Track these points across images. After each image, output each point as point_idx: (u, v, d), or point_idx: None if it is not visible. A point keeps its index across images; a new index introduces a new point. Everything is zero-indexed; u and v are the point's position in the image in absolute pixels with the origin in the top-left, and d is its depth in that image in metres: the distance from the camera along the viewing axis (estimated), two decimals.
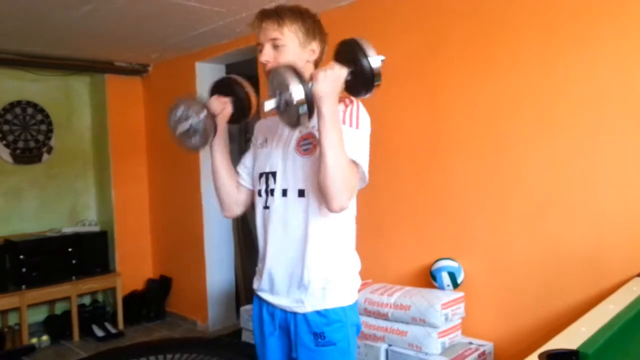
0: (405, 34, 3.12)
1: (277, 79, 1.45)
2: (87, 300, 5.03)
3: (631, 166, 2.34)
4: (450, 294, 2.81)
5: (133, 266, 5.15)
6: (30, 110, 4.85)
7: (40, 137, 4.91)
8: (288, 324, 1.65)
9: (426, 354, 2.68)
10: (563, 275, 2.53)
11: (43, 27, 3.73)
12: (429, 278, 2.95)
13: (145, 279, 5.27)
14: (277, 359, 1.72)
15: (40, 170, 4.92)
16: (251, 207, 1.84)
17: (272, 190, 1.65)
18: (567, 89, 2.50)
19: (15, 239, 4.49)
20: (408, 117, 3.13)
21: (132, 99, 5.26)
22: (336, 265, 1.62)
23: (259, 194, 1.71)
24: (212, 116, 1.69)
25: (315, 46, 1.65)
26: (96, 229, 5.05)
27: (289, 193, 1.62)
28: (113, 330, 4.63)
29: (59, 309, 4.79)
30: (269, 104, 1.45)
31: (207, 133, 1.69)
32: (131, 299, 5.00)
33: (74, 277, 4.61)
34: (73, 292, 4.56)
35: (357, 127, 1.56)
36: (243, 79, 1.82)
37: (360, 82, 1.50)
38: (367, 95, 1.54)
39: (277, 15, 1.59)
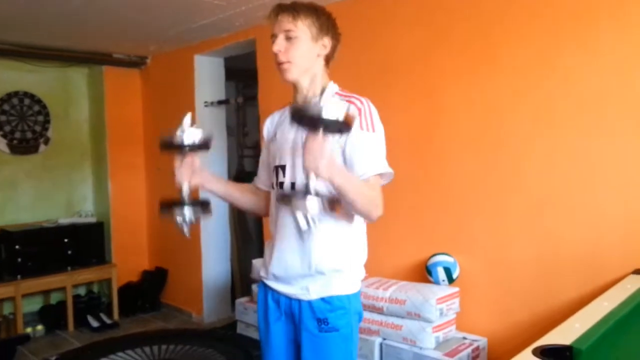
0: (406, 30, 3.12)
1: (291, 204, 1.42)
2: (82, 290, 5.03)
3: (628, 165, 2.35)
4: (445, 289, 2.82)
5: (129, 257, 5.15)
6: (27, 101, 4.84)
7: (37, 128, 4.90)
8: (293, 310, 1.70)
9: (420, 348, 2.70)
10: (558, 272, 2.55)
11: (41, 18, 3.71)
12: (424, 273, 2.97)
13: (141, 270, 5.27)
14: (282, 344, 1.76)
15: (37, 161, 4.91)
16: None
17: (282, 184, 1.70)
18: (566, 88, 2.51)
19: (11, 229, 4.48)
20: (407, 113, 3.13)
21: (130, 91, 5.25)
22: (342, 256, 1.66)
23: (272, 187, 1.77)
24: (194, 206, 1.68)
25: (327, 41, 1.70)
26: (92, 220, 5.05)
27: (297, 187, 1.65)
28: (108, 321, 4.63)
29: (54, 299, 4.79)
30: (303, 224, 1.40)
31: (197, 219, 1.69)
32: (126, 290, 5.00)
33: (69, 268, 4.61)
34: (68, 283, 4.56)
35: (373, 130, 1.62)
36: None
37: (338, 130, 1.43)
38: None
39: (292, 9, 1.65)
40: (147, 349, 3.81)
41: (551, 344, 1.47)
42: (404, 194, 3.17)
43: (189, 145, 1.63)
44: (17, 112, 4.78)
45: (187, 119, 1.62)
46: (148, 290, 5.08)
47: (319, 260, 1.63)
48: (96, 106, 5.16)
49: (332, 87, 1.72)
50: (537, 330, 1.98)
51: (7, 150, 4.72)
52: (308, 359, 1.65)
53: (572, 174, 2.51)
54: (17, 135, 4.78)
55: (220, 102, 4.74)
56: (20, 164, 4.81)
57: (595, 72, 2.43)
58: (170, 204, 1.67)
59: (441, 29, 2.97)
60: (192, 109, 4.66)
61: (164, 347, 3.84)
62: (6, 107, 4.72)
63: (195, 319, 4.77)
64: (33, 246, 4.45)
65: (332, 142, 1.47)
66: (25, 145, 4.83)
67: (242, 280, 4.98)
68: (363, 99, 1.65)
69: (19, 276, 4.32)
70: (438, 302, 2.72)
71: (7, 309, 4.45)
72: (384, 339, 2.85)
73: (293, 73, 1.67)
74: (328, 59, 1.74)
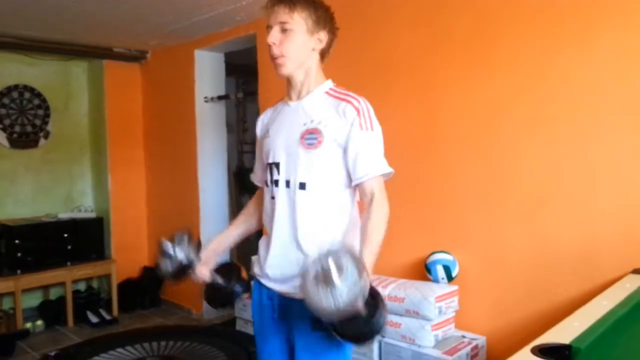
0: (406, 30, 3.10)
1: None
2: (82, 286, 5.03)
3: (626, 163, 2.34)
4: (444, 287, 2.82)
5: (129, 253, 5.15)
6: (27, 95, 4.83)
7: (37, 122, 4.89)
8: (287, 308, 1.69)
9: (419, 346, 2.70)
10: (557, 270, 2.54)
11: (42, 11, 3.70)
12: (423, 271, 2.96)
13: (141, 266, 5.27)
14: (277, 342, 1.75)
15: (36, 155, 4.91)
16: (248, 196, 1.87)
17: (277, 182, 1.69)
18: (564, 87, 2.50)
19: (10, 224, 4.48)
20: (406, 112, 3.12)
21: (130, 85, 5.24)
22: None
23: (267, 184, 1.75)
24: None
25: (323, 36, 1.68)
26: (92, 215, 5.05)
27: (291, 185, 1.65)
28: (107, 317, 4.63)
29: (53, 294, 4.79)
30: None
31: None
32: (126, 286, 5.01)
33: (69, 263, 4.61)
34: (68, 278, 4.56)
35: (372, 128, 1.62)
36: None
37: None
38: None
39: (289, 0, 1.62)
40: (146, 345, 3.82)
41: (550, 343, 1.47)
42: (403, 192, 3.16)
43: (187, 267, 1.75)
44: (17, 106, 4.77)
45: (166, 245, 1.75)
46: (148, 286, 5.07)
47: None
48: (96, 100, 5.15)
49: (327, 85, 1.72)
50: (536, 329, 1.97)
51: (6, 144, 4.72)
52: (302, 358, 1.65)
53: (570, 172, 2.50)
54: (17, 129, 4.77)
55: (220, 98, 4.73)
56: (20, 158, 4.80)
57: (593, 72, 2.41)
58: (216, 295, 1.84)
59: (441, 28, 2.95)
60: (191, 104, 4.66)
61: (163, 343, 3.84)
62: (6, 100, 4.71)
63: (194, 316, 4.77)
64: (33, 241, 4.45)
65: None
66: (25, 139, 4.82)
67: None
68: (360, 98, 1.64)
69: (18, 271, 4.31)
70: (437, 300, 2.71)
71: (6, 304, 4.46)
72: (383, 337, 2.84)
73: (287, 68, 1.66)
74: (323, 54, 1.72)
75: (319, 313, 1.30)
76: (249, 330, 3.72)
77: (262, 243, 1.80)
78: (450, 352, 2.64)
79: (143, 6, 3.64)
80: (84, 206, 5.16)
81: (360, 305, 1.28)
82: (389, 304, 2.79)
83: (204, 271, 1.80)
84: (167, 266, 1.75)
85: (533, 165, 2.62)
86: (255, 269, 1.81)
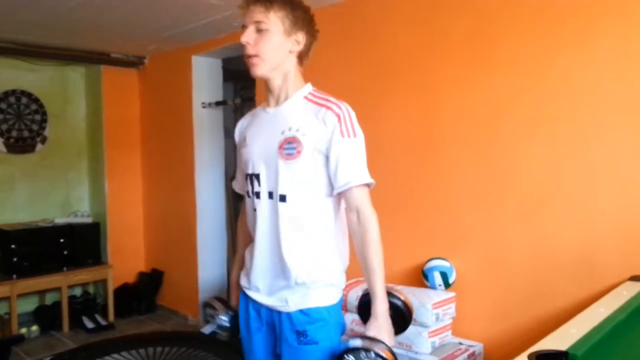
0: (404, 31, 3.11)
1: None
2: (78, 291, 5.01)
3: (627, 167, 2.34)
4: (441, 294, 2.81)
5: (125, 259, 5.13)
6: (24, 100, 4.82)
7: (35, 127, 4.88)
8: (274, 321, 1.67)
9: (416, 353, 2.69)
10: (555, 277, 2.54)
11: (40, 16, 3.70)
12: (420, 277, 2.95)
13: (137, 271, 5.26)
14: (263, 354, 1.73)
15: (33, 160, 4.89)
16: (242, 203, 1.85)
17: (258, 193, 1.64)
18: (563, 88, 2.51)
19: (7, 228, 4.46)
20: (403, 114, 3.13)
21: (127, 90, 5.23)
22: (320, 266, 1.62)
23: (248, 195, 1.70)
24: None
25: (300, 37, 1.62)
26: (89, 220, 5.03)
27: (274, 196, 1.61)
28: (103, 322, 4.61)
29: (49, 299, 4.77)
30: None
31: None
32: (122, 292, 4.99)
33: (65, 268, 4.59)
34: (64, 283, 4.54)
35: (354, 135, 1.58)
36: None
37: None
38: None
39: None
40: (142, 351, 3.80)
41: (547, 350, 1.47)
42: (400, 198, 3.16)
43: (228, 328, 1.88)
44: (14, 111, 4.76)
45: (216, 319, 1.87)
46: (144, 292, 5.06)
47: (297, 271, 1.58)
48: (94, 105, 5.15)
49: (306, 89, 1.67)
50: (533, 336, 1.96)
51: (3, 149, 4.70)
52: None
53: (568, 175, 2.50)
54: (14, 134, 4.76)
55: (217, 103, 4.73)
56: (17, 163, 4.79)
57: (592, 72, 2.42)
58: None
59: (438, 28, 2.95)
60: (189, 109, 4.66)
61: (159, 349, 3.83)
62: (3, 105, 4.70)
63: (191, 322, 4.75)
64: (29, 246, 4.43)
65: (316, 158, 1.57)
66: (22, 144, 4.81)
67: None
68: (340, 103, 1.59)
69: (14, 276, 4.29)
70: (434, 306, 2.70)
71: (2, 309, 4.44)
72: None
73: (262, 68, 1.61)
74: (302, 57, 1.66)
75: None
76: None
77: (247, 254, 1.76)
78: (447, 359, 2.64)
79: (141, 12, 3.65)
80: (81, 211, 5.14)
81: None
82: None
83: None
84: (222, 336, 1.91)
85: (532, 170, 2.62)
86: (242, 281, 1.77)
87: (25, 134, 4.83)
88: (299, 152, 1.56)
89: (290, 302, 1.61)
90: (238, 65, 4.76)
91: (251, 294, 1.71)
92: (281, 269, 1.61)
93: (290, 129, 1.59)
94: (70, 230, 4.73)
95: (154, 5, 3.51)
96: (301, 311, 1.60)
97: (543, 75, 2.57)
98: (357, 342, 1.47)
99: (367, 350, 1.45)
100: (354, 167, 1.57)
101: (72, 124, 5.18)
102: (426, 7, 3.01)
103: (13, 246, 4.34)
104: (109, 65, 5.03)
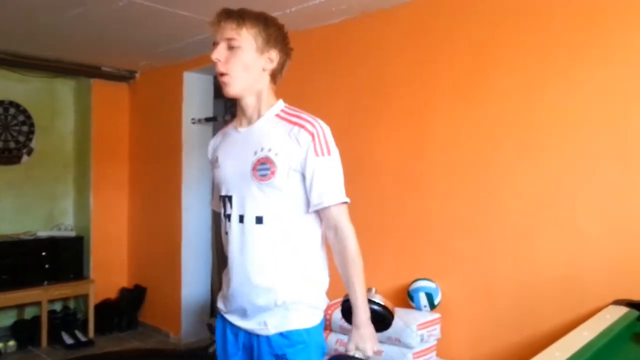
0: (393, 56, 3.15)
1: None
2: (58, 306, 4.92)
3: (610, 195, 2.37)
4: (426, 315, 2.80)
5: (107, 274, 5.06)
6: (12, 111, 4.79)
7: (21, 138, 4.84)
8: (252, 345, 1.62)
9: None
10: (540, 300, 2.55)
11: (31, 28, 3.70)
12: (406, 298, 2.94)
13: (119, 287, 5.18)
14: None
15: (19, 171, 4.84)
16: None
17: (229, 216, 1.61)
18: (550, 116, 2.55)
19: None
20: (392, 137, 3.15)
21: (117, 105, 5.22)
22: (298, 288, 1.58)
23: (221, 217, 1.67)
24: None
25: (274, 55, 1.58)
26: (72, 234, 4.97)
27: (245, 220, 1.57)
28: (83, 339, 4.53)
29: (28, 313, 4.68)
30: None
31: None
32: (104, 308, 4.90)
33: (45, 282, 4.52)
34: (44, 297, 4.46)
35: (329, 153, 1.55)
36: None
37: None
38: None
39: (238, 15, 1.53)
40: None
41: None
42: (387, 217, 3.17)
43: None
44: (1, 122, 4.72)
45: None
46: (125, 308, 4.98)
47: (274, 296, 1.55)
48: (82, 119, 5.12)
49: (278, 106, 1.63)
50: (518, 359, 1.97)
51: None
52: None
53: (554, 199, 2.53)
54: (0, 144, 4.72)
55: (207, 119, 4.74)
56: (2, 175, 4.73)
57: (577, 104, 2.47)
58: None
59: (427, 56, 3.00)
60: (178, 125, 4.65)
61: None
62: None
63: (172, 339, 4.68)
64: (9, 258, 4.37)
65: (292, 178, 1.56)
66: (7, 155, 4.77)
67: None
68: (314, 120, 1.55)
69: None
70: (419, 327, 2.69)
71: None
72: None
73: (234, 88, 1.57)
74: (275, 75, 1.62)
75: None
76: None
77: (224, 276, 1.71)
78: None
79: (134, 28, 3.66)
80: (64, 225, 5.08)
81: None
82: None
83: None
84: None
85: (518, 194, 2.65)
86: (219, 304, 1.73)
87: (12, 145, 4.79)
88: (272, 173, 1.52)
89: (269, 324, 1.56)
90: None
91: (229, 317, 1.67)
92: (257, 292, 1.56)
93: (262, 150, 1.55)
94: (52, 243, 4.67)
95: (148, 22, 3.52)
96: (281, 334, 1.56)
97: (531, 106, 2.62)
98: None
99: None
100: (329, 186, 1.54)
101: (60, 137, 5.14)
102: (418, 31, 3.06)
103: None
104: (99, 79, 5.02)
